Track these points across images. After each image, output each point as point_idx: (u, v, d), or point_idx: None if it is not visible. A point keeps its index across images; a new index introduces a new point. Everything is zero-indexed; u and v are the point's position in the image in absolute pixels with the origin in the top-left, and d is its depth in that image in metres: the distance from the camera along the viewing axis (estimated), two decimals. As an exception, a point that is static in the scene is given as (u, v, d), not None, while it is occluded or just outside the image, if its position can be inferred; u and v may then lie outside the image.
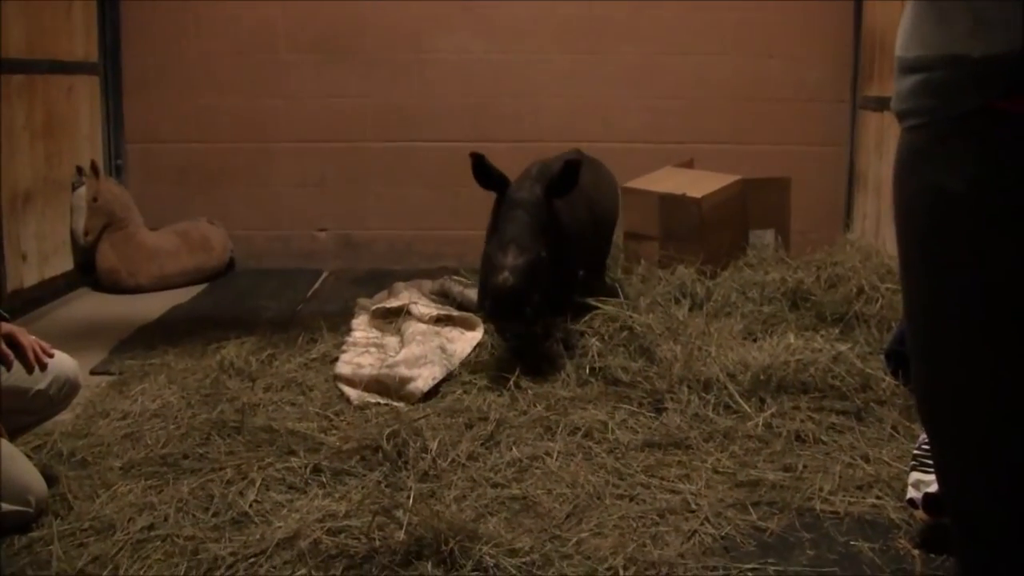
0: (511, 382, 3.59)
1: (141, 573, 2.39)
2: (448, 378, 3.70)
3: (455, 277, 4.85)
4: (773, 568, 2.44)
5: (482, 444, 3.12)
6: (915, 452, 2.59)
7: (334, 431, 3.23)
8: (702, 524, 2.64)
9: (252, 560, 2.42)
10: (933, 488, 2.41)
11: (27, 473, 2.64)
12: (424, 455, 2.99)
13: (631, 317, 3.94)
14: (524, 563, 2.39)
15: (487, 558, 2.37)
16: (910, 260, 1.27)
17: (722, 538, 2.58)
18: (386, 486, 2.82)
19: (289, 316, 4.84)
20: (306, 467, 2.93)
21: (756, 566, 2.44)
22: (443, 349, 3.85)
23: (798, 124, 6.09)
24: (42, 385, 2.75)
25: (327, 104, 6.08)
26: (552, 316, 3.94)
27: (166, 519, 2.63)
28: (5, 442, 2.62)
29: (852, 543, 2.57)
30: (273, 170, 6.13)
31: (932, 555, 2.50)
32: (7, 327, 2.55)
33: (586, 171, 4.04)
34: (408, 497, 2.70)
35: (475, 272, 4.38)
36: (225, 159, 6.11)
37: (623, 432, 3.23)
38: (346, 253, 6.21)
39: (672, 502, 2.75)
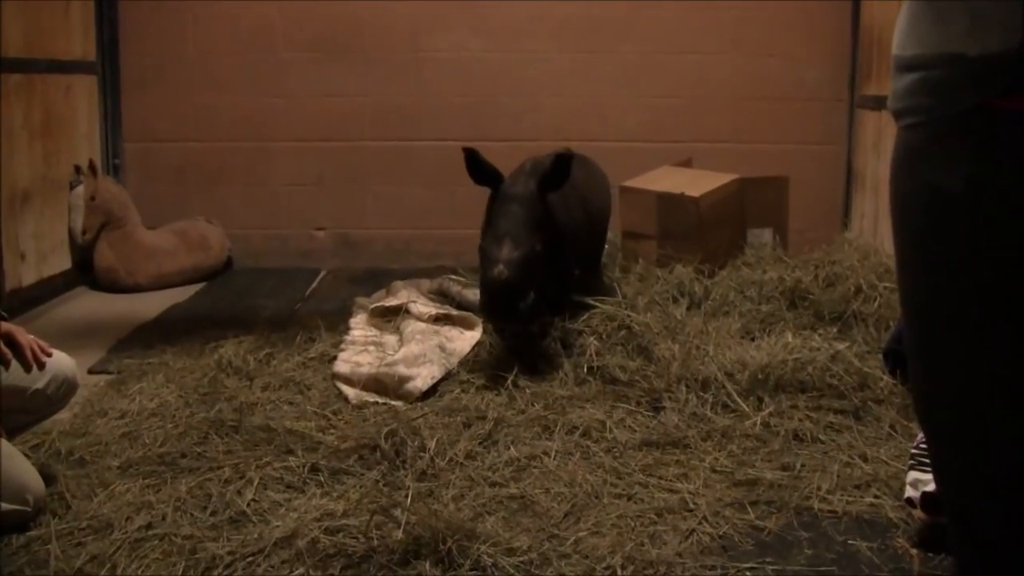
0: (509, 381, 3.59)
1: (139, 572, 2.39)
2: (446, 377, 3.70)
3: (453, 277, 4.85)
4: (771, 567, 2.44)
5: (480, 443, 3.12)
6: (913, 451, 2.59)
7: (332, 430, 3.23)
8: (700, 523, 2.64)
9: (250, 559, 2.42)
10: (931, 487, 2.41)
11: (25, 472, 2.64)
12: (422, 454, 2.99)
13: (629, 316, 3.94)
14: (522, 562, 2.39)
15: (485, 557, 2.37)
16: (907, 259, 1.27)
17: (720, 537, 2.58)
18: (384, 485, 2.82)
19: (287, 315, 4.83)
20: (304, 466, 2.93)
21: (754, 565, 2.44)
22: (442, 348, 3.85)
23: (796, 123, 6.10)
24: (40, 384, 2.75)
25: (325, 103, 6.07)
26: (550, 315, 3.94)
27: (164, 518, 2.63)
28: (3, 441, 2.62)
29: (850, 542, 2.57)
30: (271, 169, 6.13)
31: (930, 554, 2.50)
32: (5, 326, 2.55)
33: (577, 168, 4.04)
34: (406, 496, 2.70)
35: (473, 271, 4.39)
36: (223, 158, 6.10)
37: (621, 431, 3.24)
38: (344, 252, 6.21)
39: (670, 501, 2.75)
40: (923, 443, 2.51)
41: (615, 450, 3.11)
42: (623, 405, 3.43)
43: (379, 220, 6.20)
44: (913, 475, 2.54)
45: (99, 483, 2.84)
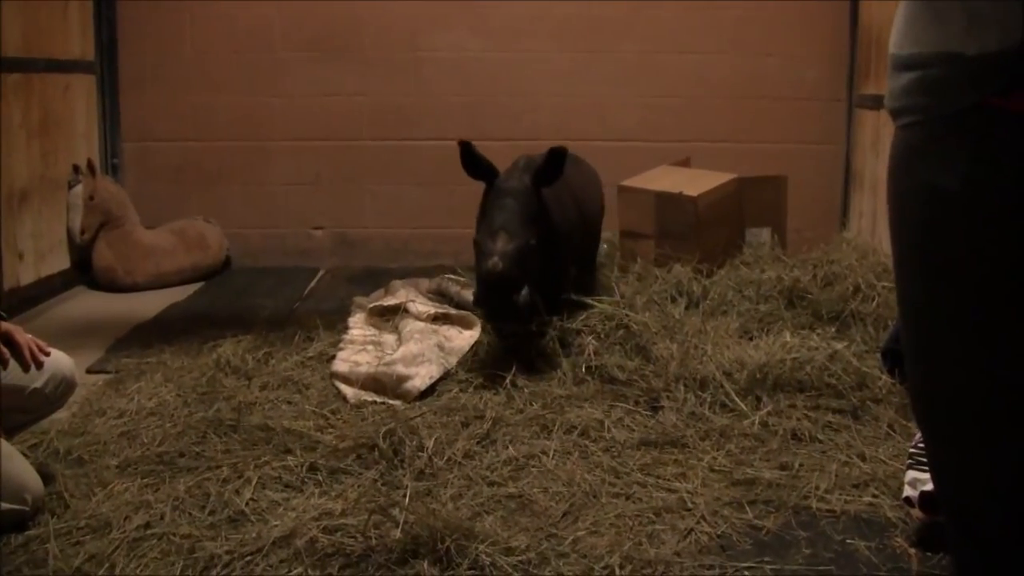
0: (507, 381, 3.59)
1: (137, 571, 2.39)
2: (445, 376, 3.70)
3: (452, 276, 4.84)
4: (769, 567, 2.44)
5: (478, 442, 3.12)
6: (911, 450, 2.59)
7: (330, 429, 3.23)
8: (698, 522, 2.64)
9: (248, 558, 2.42)
10: (929, 486, 2.42)
11: (24, 471, 2.64)
12: (420, 453, 2.99)
13: (627, 315, 3.94)
14: (520, 561, 2.39)
15: (483, 556, 2.37)
16: (904, 258, 1.27)
17: (718, 536, 2.58)
18: (382, 484, 2.82)
19: (286, 314, 4.83)
20: (302, 465, 2.93)
21: (752, 565, 2.45)
22: (441, 347, 3.85)
23: (794, 122, 6.10)
24: (38, 383, 2.75)
25: (323, 102, 6.07)
26: (548, 314, 3.94)
27: (162, 517, 2.63)
28: (2, 440, 2.61)
29: (848, 541, 2.57)
30: (269, 168, 6.13)
31: (928, 553, 2.50)
32: (4, 325, 2.55)
33: (570, 168, 4.05)
34: (404, 495, 2.70)
35: (472, 270, 4.38)
36: (221, 157, 6.10)
37: (619, 430, 3.23)
38: (342, 251, 6.21)
39: (668, 500, 2.75)
40: (921, 442, 2.51)
41: (613, 449, 3.11)
42: (621, 404, 3.43)
43: (377, 219, 6.20)
44: (911, 474, 2.54)
45: (97, 482, 2.84)
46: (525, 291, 3.67)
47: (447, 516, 2.51)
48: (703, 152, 5.83)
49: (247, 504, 2.70)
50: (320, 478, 2.87)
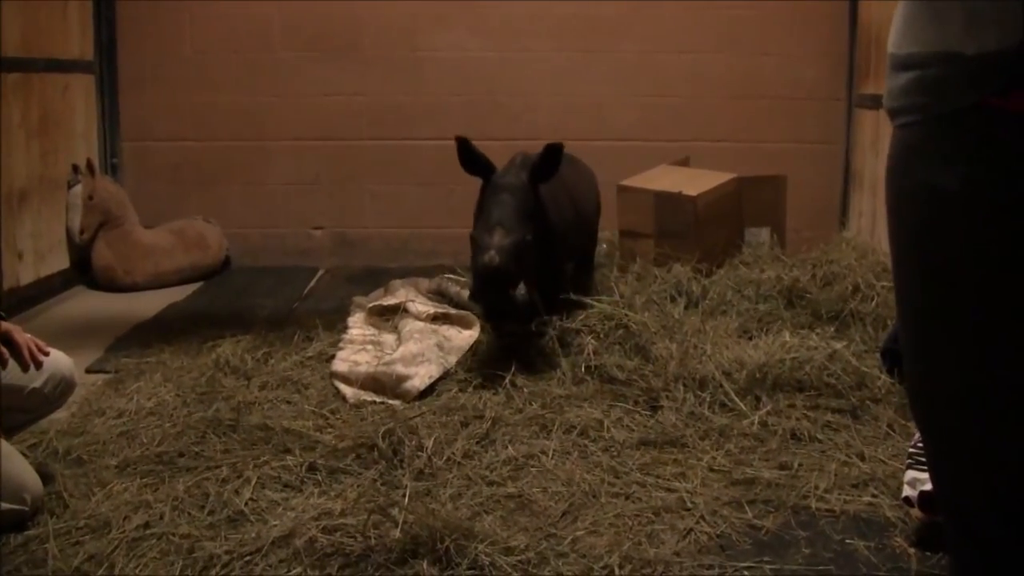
0: (507, 380, 3.59)
1: (137, 571, 2.39)
2: (444, 376, 3.70)
3: (452, 276, 4.84)
4: (769, 566, 2.44)
5: (478, 442, 3.12)
6: (911, 450, 2.59)
7: (330, 429, 3.23)
8: (698, 522, 2.64)
9: (248, 558, 2.42)
10: (929, 486, 2.41)
11: (23, 471, 2.64)
12: (420, 453, 2.99)
13: (627, 315, 3.94)
14: (520, 561, 2.39)
15: (483, 556, 2.37)
16: (903, 258, 1.27)
17: (718, 536, 2.58)
18: (382, 484, 2.82)
19: (285, 314, 4.83)
20: (302, 465, 2.93)
21: (752, 564, 2.45)
22: (440, 347, 3.85)
23: (794, 122, 6.10)
24: (38, 383, 2.75)
25: (323, 102, 6.07)
26: (546, 313, 3.94)
27: (162, 517, 2.63)
28: (1, 440, 2.61)
29: (848, 541, 2.57)
30: (269, 168, 6.13)
31: (928, 553, 2.50)
32: (3, 325, 2.55)
33: (566, 167, 4.05)
34: (404, 495, 2.70)
35: (471, 270, 4.38)
36: (221, 157, 6.10)
37: (619, 430, 3.23)
38: (342, 251, 6.21)
39: (668, 500, 2.75)
40: (920, 442, 2.51)
41: (613, 449, 3.11)
42: (621, 404, 3.43)
43: (377, 219, 6.20)
44: (911, 474, 2.54)
45: (97, 482, 2.84)
46: (520, 288, 3.67)
47: (446, 516, 2.51)
48: (702, 152, 5.83)
49: (246, 504, 2.70)
50: (319, 478, 2.88)
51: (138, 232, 5.62)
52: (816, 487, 2.83)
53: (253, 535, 2.52)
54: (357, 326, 4.26)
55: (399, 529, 2.46)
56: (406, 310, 4.24)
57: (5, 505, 2.55)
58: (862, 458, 3.03)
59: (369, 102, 6.08)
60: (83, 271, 5.56)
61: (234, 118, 6.06)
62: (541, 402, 3.45)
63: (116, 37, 5.94)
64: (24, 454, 2.85)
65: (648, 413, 3.37)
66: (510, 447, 3.09)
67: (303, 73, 6.04)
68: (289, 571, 2.37)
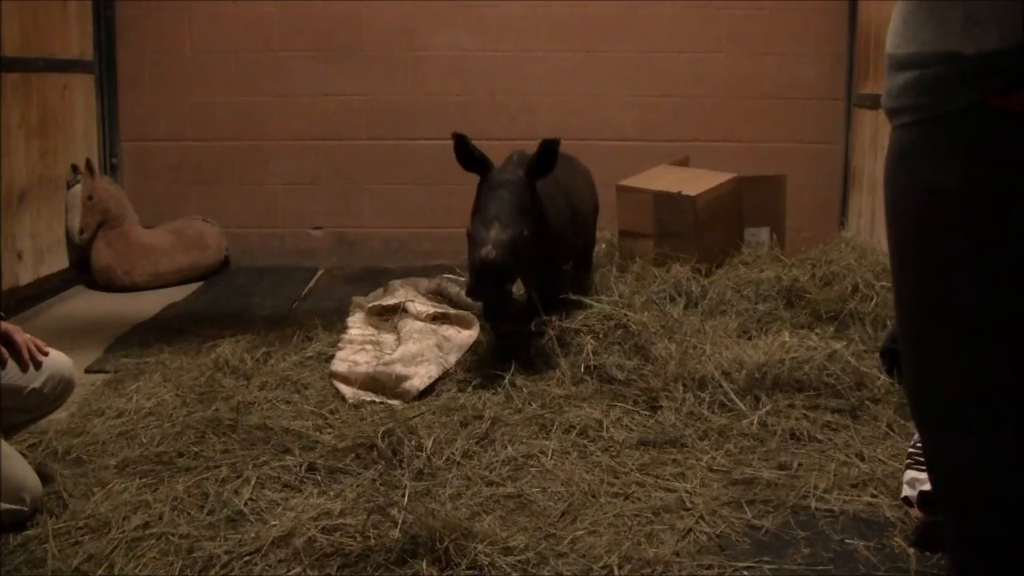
0: (506, 380, 3.59)
1: (136, 571, 2.39)
2: (444, 376, 3.70)
3: (451, 276, 4.85)
4: (768, 566, 2.44)
5: (477, 442, 3.12)
6: (910, 450, 2.59)
7: (329, 429, 3.23)
8: (697, 522, 2.64)
9: (247, 558, 2.42)
10: (928, 486, 2.42)
11: (22, 471, 2.64)
12: (419, 453, 2.99)
13: (626, 315, 3.94)
14: (519, 561, 2.39)
15: (482, 556, 2.37)
16: (902, 258, 1.27)
17: (717, 536, 2.59)
18: (381, 484, 2.82)
19: (284, 314, 4.83)
20: (301, 465, 2.93)
21: (751, 564, 2.45)
22: (439, 347, 3.85)
23: (793, 122, 6.10)
24: (37, 383, 2.75)
25: (322, 102, 6.07)
26: (545, 313, 3.94)
27: (161, 517, 2.63)
28: (1, 440, 2.62)
29: (847, 541, 2.57)
30: (268, 168, 6.13)
31: (927, 553, 2.50)
32: (3, 325, 2.55)
33: (561, 166, 4.05)
34: (403, 495, 2.70)
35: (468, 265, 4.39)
36: (220, 157, 6.10)
37: (618, 430, 3.24)
38: (341, 251, 6.21)
39: (667, 500, 2.75)
40: (920, 442, 2.51)
41: (612, 449, 3.11)
42: (620, 404, 3.43)
43: (376, 219, 6.20)
44: (910, 474, 2.54)
45: (96, 482, 2.84)
46: (520, 290, 3.67)
47: (446, 516, 2.51)
48: (701, 151, 5.84)
49: (246, 504, 2.70)
50: (319, 478, 2.88)
51: (137, 232, 5.62)
52: (815, 487, 2.83)
53: (252, 535, 2.52)
54: (356, 326, 4.26)
55: (398, 529, 2.46)
56: (405, 310, 4.24)
57: (4, 505, 2.55)
58: (861, 458, 3.03)
59: (368, 102, 6.08)
60: (82, 271, 5.56)
61: (233, 118, 6.07)
62: (540, 402, 3.45)
63: (115, 36, 5.94)
64: (23, 454, 2.85)
65: (647, 413, 3.37)
66: (509, 447, 3.09)
67: (302, 73, 6.04)
68: (288, 571, 2.37)
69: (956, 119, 1.17)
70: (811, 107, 6.11)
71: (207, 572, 2.38)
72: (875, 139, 5.58)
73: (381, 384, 3.58)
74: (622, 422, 3.31)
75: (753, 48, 6.05)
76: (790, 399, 3.41)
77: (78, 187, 5.41)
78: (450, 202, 5.97)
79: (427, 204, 6.14)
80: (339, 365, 3.75)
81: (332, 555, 2.43)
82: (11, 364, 2.55)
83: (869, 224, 5.65)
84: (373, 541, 2.45)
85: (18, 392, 2.72)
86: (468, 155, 3.93)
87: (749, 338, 3.93)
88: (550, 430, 3.23)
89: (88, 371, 3.91)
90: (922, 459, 2.48)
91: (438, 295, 4.64)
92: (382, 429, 3.08)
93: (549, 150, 3.87)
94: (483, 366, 3.79)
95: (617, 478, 2.91)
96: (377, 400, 3.51)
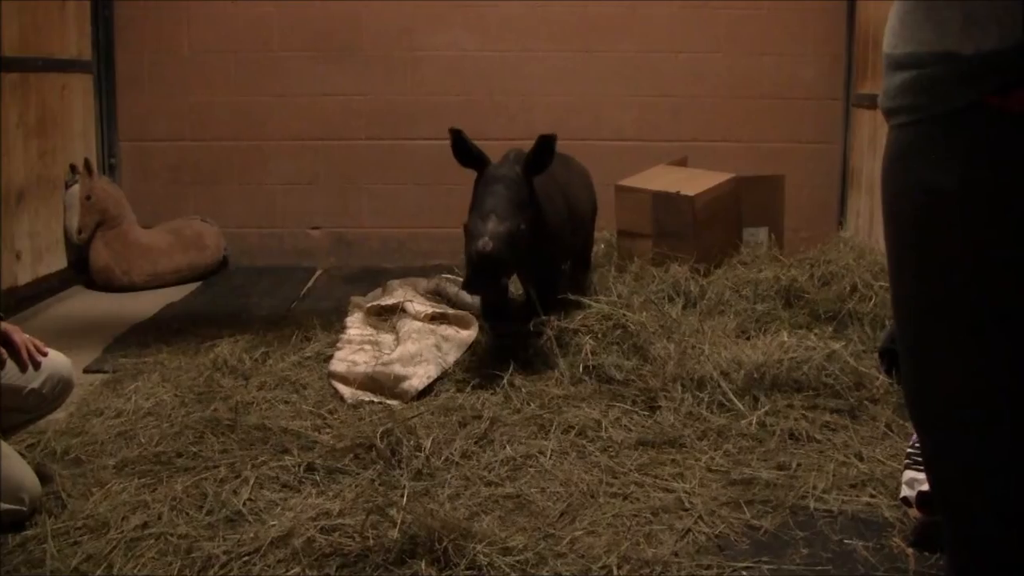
0: (505, 380, 3.59)
1: (135, 571, 2.39)
2: (442, 376, 3.70)
3: (450, 276, 4.84)
4: (767, 567, 2.44)
5: (476, 442, 3.12)
6: (909, 450, 2.59)
7: (328, 429, 3.22)
8: (696, 523, 2.64)
9: (246, 559, 2.42)
10: (927, 486, 2.42)
11: (21, 471, 2.64)
12: (418, 453, 2.99)
13: (625, 315, 3.94)
14: (518, 561, 2.39)
15: (481, 556, 2.37)
16: (899, 258, 1.27)
17: (716, 536, 2.59)
18: (380, 484, 2.82)
19: (283, 314, 4.83)
20: (300, 465, 2.93)
21: (750, 564, 2.45)
22: (438, 347, 3.85)
23: (791, 122, 6.10)
24: (36, 383, 2.75)
25: (321, 102, 6.07)
26: (543, 313, 3.94)
27: (160, 517, 2.63)
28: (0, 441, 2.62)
29: (846, 541, 2.57)
30: (267, 168, 6.13)
31: (926, 553, 2.50)
32: (1, 325, 2.55)
33: (559, 166, 4.05)
34: (402, 495, 2.70)
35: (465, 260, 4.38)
36: (218, 157, 6.10)
37: (617, 430, 3.24)
38: (340, 251, 6.21)
39: (666, 500, 2.75)
40: (918, 442, 2.51)
41: (611, 449, 3.11)
42: (619, 404, 3.43)
43: (375, 219, 6.20)
44: (909, 474, 2.54)
45: (95, 482, 2.84)
46: (519, 290, 3.67)
47: (445, 516, 2.51)
48: (700, 151, 5.84)
49: (244, 504, 2.70)
50: (317, 478, 2.88)
51: (136, 232, 5.62)
52: (814, 487, 2.83)
53: (251, 535, 2.51)
54: (355, 326, 4.25)
55: (397, 529, 2.46)
56: (404, 310, 4.24)
57: (3, 505, 2.55)
58: (860, 458, 3.03)
59: (367, 102, 6.08)
60: (81, 271, 5.56)
61: (232, 118, 6.06)
62: (539, 402, 3.45)
63: (114, 36, 5.94)
64: (22, 454, 2.85)
65: (646, 413, 3.37)
66: (508, 447, 3.09)
67: (301, 73, 6.04)
68: (287, 571, 2.37)
69: (954, 119, 1.17)
70: (809, 107, 6.11)
71: (206, 572, 2.37)
72: (873, 139, 5.59)
73: (380, 384, 3.58)
74: (621, 422, 3.31)
75: (752, 48, 6.05)
76: (789, 399, 3.40)
77: (76, 187, 5.41)
78: (449, 202, 5.97)
79: (426, 204, 6.14)
80: (338, 365, 3.75)
81: (331, 555, 2.43)
82: (10, 364, 2.55)
83: (868, 224, 5.65)
84: (372, 541, 2.45)
85: (17, 392, 2.72)
86: (465, 151, 3.93)
87: (748, 338, 3.93)
88: (549, 430, 3.23)
89: (87, 371, 3.91)
90: (920, 459, 2.48)
91: (437, 295, 4.64)
92: (381, 429, 3.08)
93: (546, 145, 3.86)
94: (482, 366, 3.78)
95: (616, 478, 2.91)
96: (376, 400, 3.51)
